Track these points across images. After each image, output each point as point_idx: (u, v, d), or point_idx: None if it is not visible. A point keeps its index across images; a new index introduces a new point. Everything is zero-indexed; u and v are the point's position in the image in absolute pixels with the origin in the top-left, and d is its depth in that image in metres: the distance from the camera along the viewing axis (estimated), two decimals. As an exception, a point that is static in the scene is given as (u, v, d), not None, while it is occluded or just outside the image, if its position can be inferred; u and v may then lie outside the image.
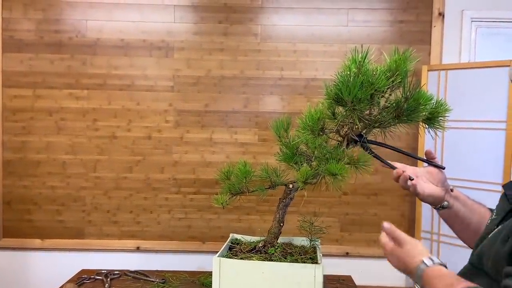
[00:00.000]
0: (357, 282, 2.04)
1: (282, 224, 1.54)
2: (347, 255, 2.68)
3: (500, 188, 2.22)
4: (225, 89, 2.63)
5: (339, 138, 1.50)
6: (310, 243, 1.53)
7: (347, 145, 1.46)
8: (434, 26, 2.61)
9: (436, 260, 0.91)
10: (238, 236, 1.64)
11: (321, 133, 1.41)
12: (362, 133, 1.46)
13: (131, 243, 2.67)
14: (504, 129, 2.24)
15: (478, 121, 2.33)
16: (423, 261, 0.91)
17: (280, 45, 2.63)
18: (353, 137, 1.43)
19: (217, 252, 1.49)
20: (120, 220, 2.67)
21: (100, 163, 2.64)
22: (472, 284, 0.82)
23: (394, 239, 0.99)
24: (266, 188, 1.54)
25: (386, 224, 1.01)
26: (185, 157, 2.65)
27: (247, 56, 2.62)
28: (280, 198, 1.57)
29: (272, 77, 2.63)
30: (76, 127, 2.63)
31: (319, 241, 1.55)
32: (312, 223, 1.49)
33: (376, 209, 2.69)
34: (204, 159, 2.65)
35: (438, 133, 2.45)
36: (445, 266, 0.91)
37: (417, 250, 0.95)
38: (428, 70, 2.52)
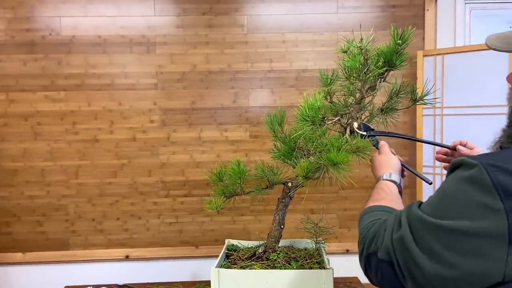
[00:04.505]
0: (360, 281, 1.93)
1: (282, 227, 1.41)
2: (347, 252, 2.57)
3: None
4: (212, 84, 2.49)
5: (340, 128, 1.39)
6: (316, 245, 1.40)
7: (350, 135, 1.35)
8: (427, 10, 2.51)
9: (393, 176, 1.09)
10: (235, 242, 1.51)
11: (322, 123, 1.29)
12: (364, 122, 1.35)
13: (119, 252, 2.52)
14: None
15: (479, 107, 2.24)
16: (384, 174, 1.10)
17: (268, 35, 2.49)
18: (358, 131, 1.31)
19: (211, 257, 1.37)
20: (106, 228, 2.51)
21: (82, 168, 2.48)
22: (386, 204, 0.95)
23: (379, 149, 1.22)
24: (263, 188, 1.41)
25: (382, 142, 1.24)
26: (173, 158, 2.51)
27: (234, 48, 2.49)
28: (278, 198, 1.45)
29: (261, 70, 2.50)
30: (54, 131, 2.46)
31: (324, 242, 1.42)
32: (317, 224, 1.36)
33: (376, 203, 2.57)
34: (194, 159, 2.51)
35: (436, 120, 2.34)
36: (399, 186, 1.09)
37: (388, 163, 1.13)
38: (423, 56, 2.42)
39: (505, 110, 2.19)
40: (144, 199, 2.51)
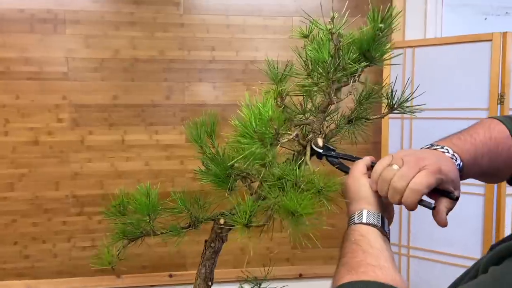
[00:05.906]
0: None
1: (210, 284, 1.00)
2: (300, 277, 2.29)
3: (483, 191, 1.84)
4: (140, 75, 2.12)
5: (297, 147, 0.98)
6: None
7: (310, 156, 0.95)
8: (396, -5, 2.19)
9: (368, 217, 0.76)
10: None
11: (276, 142, 0.87)
12: (325, 142, 0.95)
13: (18, 284, 2.11)
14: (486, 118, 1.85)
15: (454, 109, 1.93)
16: (356, 213, 0.78)
17: (209, 17, 2.14)
18: (315, 148, 0.91)
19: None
20: (0, 255, 2.08)
21: (-34, 180, 1.99)
22: (370, 279, 0.66)
23: None
24: (182, 228, 0.99)
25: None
26: (88, 166, 2.11)
27: (167, 32, 2.12)
28: (206, 241, 1.03)
29: (201, 59, 2.15)
30: None
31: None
32: (260, 284, 0.96)
33: (334, 219, 2.21)
34: (115, 168, 2.13)
35: (404, 124, 2.01)
36: (381, 229, 0.74)
37: (357, 193, 0.81)
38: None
39: (485, 114, 1.88)
40: (49, 218, 2.11)
